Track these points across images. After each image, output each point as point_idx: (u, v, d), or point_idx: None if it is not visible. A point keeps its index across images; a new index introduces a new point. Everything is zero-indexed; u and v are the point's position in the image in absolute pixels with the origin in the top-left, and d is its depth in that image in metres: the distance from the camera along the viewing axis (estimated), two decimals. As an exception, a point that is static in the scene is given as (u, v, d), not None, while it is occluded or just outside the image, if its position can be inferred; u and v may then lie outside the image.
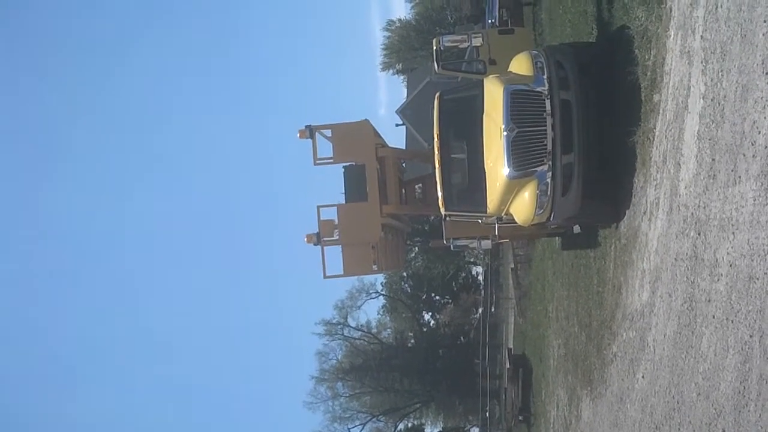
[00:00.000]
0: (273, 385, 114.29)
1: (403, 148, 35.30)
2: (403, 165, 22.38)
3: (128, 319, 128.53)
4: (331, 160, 19.65)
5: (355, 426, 58.30)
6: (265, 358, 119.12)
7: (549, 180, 11.25)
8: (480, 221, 13.72)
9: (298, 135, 19.31)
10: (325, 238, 19.65)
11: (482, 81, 12.56)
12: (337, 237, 19.77)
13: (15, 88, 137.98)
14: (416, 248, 55.28)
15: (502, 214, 12.49)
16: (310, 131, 19.21)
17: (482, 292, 59.19)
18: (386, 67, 71.81)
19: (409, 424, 61.93)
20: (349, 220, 19.39)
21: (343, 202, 20.43)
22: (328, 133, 19.46)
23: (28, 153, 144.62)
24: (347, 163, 19.85)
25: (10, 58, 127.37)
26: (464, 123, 12.98)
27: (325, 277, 20.60)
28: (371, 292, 59.95)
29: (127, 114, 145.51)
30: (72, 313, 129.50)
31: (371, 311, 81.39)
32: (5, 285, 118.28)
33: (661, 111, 9.63)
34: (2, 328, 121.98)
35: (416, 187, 22.35)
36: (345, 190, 20.12)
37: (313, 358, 62.99)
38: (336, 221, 19.79)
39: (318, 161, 19.49)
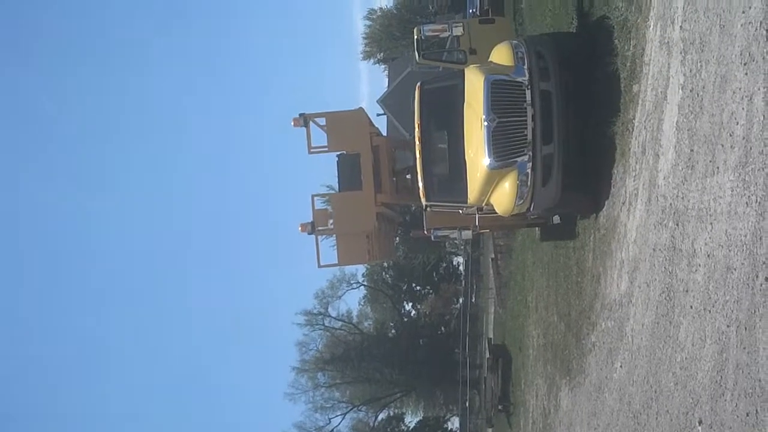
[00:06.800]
0: (253, 376, 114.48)
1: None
2: (394, 152, 22.32)
3: (107, 306, 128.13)
4: (326, 149, 19.52)
5: (336, 416, 58.45)
6: (245, 349, 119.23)
7: (529, 170, 11.27)
8: (460, 211, 13.72)
9: (292, 123, 19.09)
10: (319, 228, 19.54)
11: (463, 71, 12.52)
12: (332, 226, 19.69)
13: (10, 88, 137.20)
14: (397, 238, 55.27)
15: (483, 205, 12.49)
16: (304, 120, 19.00)
17: (463, 282, 59.42)
18: (367, 56, 71.65)
19: (390, 414, 62.16)
20: (343, 209, 19.29)
21: (335, 190, 20.25)
22: (322, 121, 19.28)
23: (25, 152, 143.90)
24: (340, 152, 19.72)
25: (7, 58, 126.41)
26: (445, 113, 12.94)
27: (319, 266, 20.48)
28: (352, 282, 60.00)
29: (121, 107, 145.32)
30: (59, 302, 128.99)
31: (352, 301, 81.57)
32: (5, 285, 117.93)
33: (640, 102, 9.65)
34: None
35: (406, 176, 22.35)
36: (338, 178, 19.98)
37: (293, 348, 63.14)
38: (330, 210, 19.67)
39: (312, 150, 19.34)
